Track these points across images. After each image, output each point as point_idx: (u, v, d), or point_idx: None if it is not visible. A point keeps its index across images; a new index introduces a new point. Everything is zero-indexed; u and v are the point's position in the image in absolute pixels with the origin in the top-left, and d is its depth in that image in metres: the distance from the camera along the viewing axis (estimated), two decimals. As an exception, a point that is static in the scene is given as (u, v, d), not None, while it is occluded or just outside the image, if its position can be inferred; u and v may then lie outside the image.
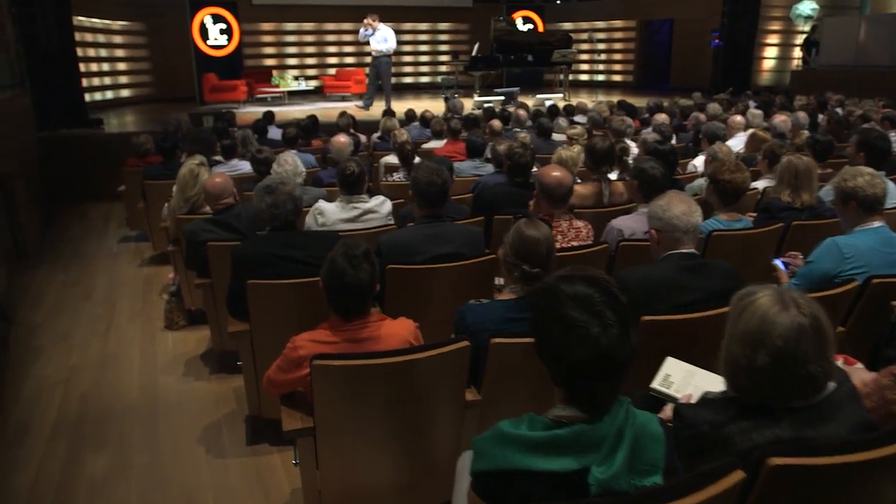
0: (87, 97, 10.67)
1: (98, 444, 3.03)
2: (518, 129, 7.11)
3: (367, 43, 11.43)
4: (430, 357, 1.83)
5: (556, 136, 6.76)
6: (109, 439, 3.07)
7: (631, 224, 3.17)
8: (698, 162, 5.19)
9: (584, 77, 18.37)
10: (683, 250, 2.27)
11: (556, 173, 2.94)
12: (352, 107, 11.27)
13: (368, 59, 12.17)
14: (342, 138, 4.94)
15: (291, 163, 4.12)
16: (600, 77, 18.44)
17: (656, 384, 1.71)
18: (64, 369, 3.81)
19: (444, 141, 6.50)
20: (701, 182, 4.29)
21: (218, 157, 5.77)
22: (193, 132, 6.59)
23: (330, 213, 3.38)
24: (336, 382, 1.82)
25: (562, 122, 7.56)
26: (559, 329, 1.21)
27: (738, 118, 6.74)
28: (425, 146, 6.44)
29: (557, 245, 2.96)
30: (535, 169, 3.81)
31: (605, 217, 3.46)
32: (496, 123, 6.35)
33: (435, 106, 9.06)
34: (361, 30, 11.43)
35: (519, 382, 2.01)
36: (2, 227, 5.89)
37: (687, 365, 1.75)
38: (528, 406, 1.34)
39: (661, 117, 7.14)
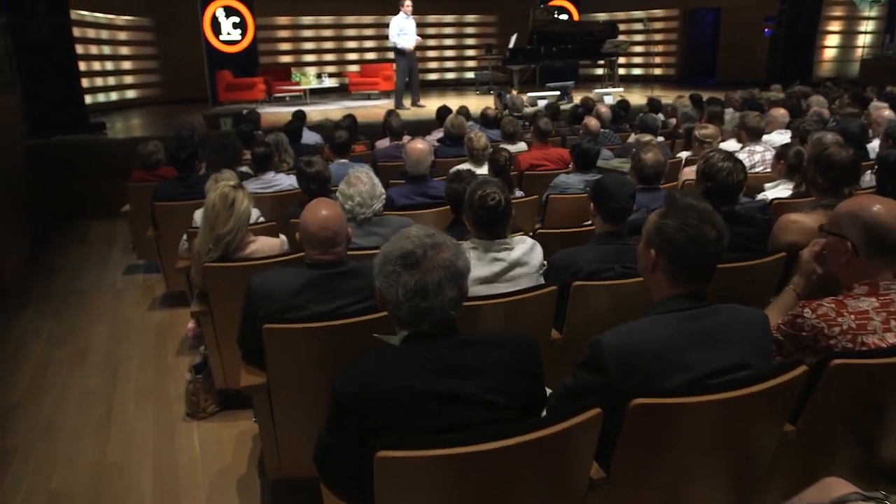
0: (89, 99, 9.46)
1: None
2: (606, 130, 5.85)
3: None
4: None
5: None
6: None
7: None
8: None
9: (620, 71, 17.01)
10: None
11: (883, 204, 1.66)
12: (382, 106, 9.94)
13: (391, 55, 10.89)
14: (420, 144, 3.65)
15: (367, 181, 2.83)
16: (637, 71, 17.09)
17: None
18: (40, 498, 2.55)
19: (525, 145, 5.24)
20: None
21: (245, 169, 4.52)
22: (214, 137, 5.31)
23: (458, 269, 2.09)
24: None
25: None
26: None
27: (886, 113, 5.45)
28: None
29: (893, 337, 1.69)
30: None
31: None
32: (593, 122, 5.07)
33: (465, 104, 7.72)
34: (404, 15, 9.98)
35: None
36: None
37: None
38: None
39: (780, 112, 5.85)
